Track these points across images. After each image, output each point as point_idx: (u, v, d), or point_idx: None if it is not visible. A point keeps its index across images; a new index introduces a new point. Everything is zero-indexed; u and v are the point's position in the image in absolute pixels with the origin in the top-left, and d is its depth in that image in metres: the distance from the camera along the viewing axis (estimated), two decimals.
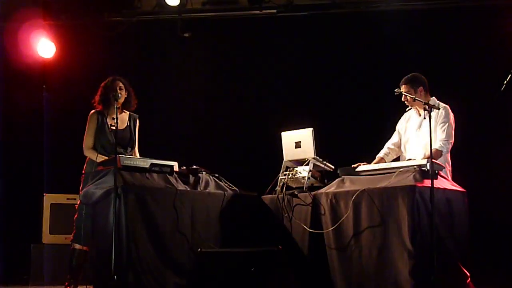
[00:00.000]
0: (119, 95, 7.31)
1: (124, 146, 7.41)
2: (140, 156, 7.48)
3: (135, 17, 9.82)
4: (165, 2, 9.32)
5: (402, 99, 7.36)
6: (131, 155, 7.39)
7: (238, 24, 9.89)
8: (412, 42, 9.19)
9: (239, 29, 9.93)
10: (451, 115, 7.26)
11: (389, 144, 7.63)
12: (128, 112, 7.60)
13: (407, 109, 7.60)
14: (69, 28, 9.81)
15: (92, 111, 7.49)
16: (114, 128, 6.98)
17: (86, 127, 7.44)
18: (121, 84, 7.49)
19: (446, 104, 7.33)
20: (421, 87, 7.31)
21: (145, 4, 9.82)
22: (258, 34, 9.86)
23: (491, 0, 8.89)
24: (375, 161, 7.45)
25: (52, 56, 9.67)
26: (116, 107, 7.01)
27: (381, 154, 7.58)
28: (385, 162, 7.40)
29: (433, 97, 7.36)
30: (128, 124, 7.57)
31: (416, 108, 7.46)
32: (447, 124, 7.19)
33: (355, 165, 7.13)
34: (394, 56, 9.19)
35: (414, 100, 7.22)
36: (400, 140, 7.58)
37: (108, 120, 7.41)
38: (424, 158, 6.94)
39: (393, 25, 9.12)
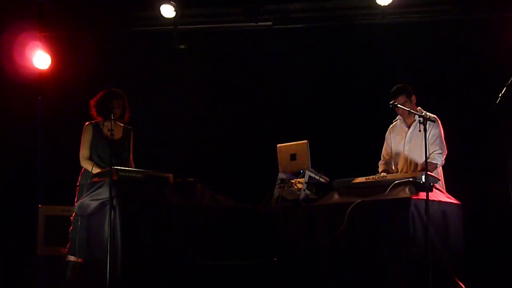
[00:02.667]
0: (116, 107, 7.31)
1: (119, 156, 7.40)
2: (135, 167, 7.47)
3: (130, 29, 9.82)
4: (161, 14, 9.31)
5: (400, 111, 7.38)
6: (126, 166, 7.38)
7: (234, 36, 9.89)
8: (407, 55, 9.21)
9: (235, 41, 9.93)
10: (440, 126, 7.28)
11: (384, 154, 7.65)
12: (122, 124, 7.59)
13: (393, 120, 7.62)
14: (64, 40, 9.80)
15: (87, 122, 7.50)
16: (110, 139, 7.00)
17: (82, 138, 7.44)
18: (118, 96, 7.48)
19: (436, 115, 7.34)
20: (413, 96, 7.36)
21: (140, 16, 9.82)
22: (254, 46, 9.86)
23: (486, 13, 8.90)
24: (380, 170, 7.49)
25: (48, 67, 9.65)
26: (113, 119, 7.02)
27: (382, 165, 7.59)
28: (390, 171, 7.41)
29: (419, 107, 7.37)
30: (123, 135, 7.56)
31: (404, 120, 7.48)
32: (437, 135, 7.21)
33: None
34: (389, 68, 9.19)
35: (410, 112, 7.24)
36: (391, 151, 7.60)
37: (104, 131, 7.41)
38: (418, 170, 6.96)
39: (389, 37, 9.15)
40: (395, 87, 7.39)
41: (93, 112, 7.49)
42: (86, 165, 7.32)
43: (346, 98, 9.55)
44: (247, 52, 9.91)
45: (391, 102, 7.13)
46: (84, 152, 7.39)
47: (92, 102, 7.50)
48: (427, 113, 7.25)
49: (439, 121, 7.32)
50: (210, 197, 7.29)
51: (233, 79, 10.03)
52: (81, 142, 7.43)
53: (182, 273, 6.79)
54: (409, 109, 7.21)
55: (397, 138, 7.55)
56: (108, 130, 7.12)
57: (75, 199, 7.21)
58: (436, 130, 7.23)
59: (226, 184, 7.77)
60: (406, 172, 7.15)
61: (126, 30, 9.79)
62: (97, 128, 7.44)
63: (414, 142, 7.32)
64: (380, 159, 7.70)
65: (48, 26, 9.70)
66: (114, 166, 6.76)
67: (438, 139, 7.22)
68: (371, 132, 8.88)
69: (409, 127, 7.46)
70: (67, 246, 7.12)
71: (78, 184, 7.34)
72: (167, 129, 9.85)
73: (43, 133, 9.57)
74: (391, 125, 7.67)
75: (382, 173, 7.34)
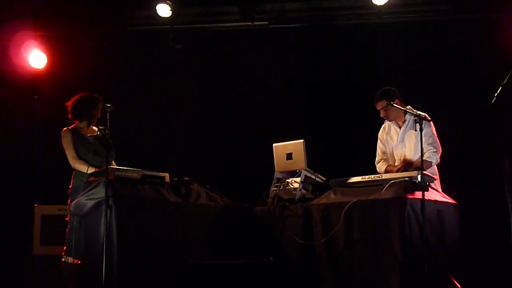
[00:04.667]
0: (96, 112, 7.29)
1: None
2: (130, 167, 7.43)
3: (126, 28, 9.81)
4: (157, 14, 9.31)
5: (381, 115, 7.38)
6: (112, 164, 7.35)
7: (230, 36, 9.89)
8: (403, 54, 9.22)
9: (231, 41, 9.93)
10: (432, 124, 7.24)
11: (379, 153, 7.64)
12: (96, 128, 7.52)
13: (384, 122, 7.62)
14: (60, 39, 9.79)
15: (64, 128, 7.41)
16: (99, 137, 7.00)
17: (63, 144, 7.35)
18: (98, 101, 7.41)
19: (432, 114, 7.32)
20: (396, 100, 7.29)
21: (137, 15, 9.81)
22: (250, 46, 9.85)
23: (482, 12, 8.92)
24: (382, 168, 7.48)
25: (44, 67, 9.65)
26: (108, 119, 7.00)
27: (383, 163, 7.57)
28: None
29: (409, 106, 7.34)
30: (102, 134, 7.48)
31: (395, 121, 7.47)
32: (430, 134, 7.19)
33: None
34: (385, 68, 9.20)
35: (406, 112, 7.21)
36: (386, 150, 7.59)
37: (86, 134, 7.38)
38: (412, 169, 6.96)
39: (385, 37, 9.15)
40: (377, 93, 7.39)
41: (70, 115, 7.44)
42: (79, 165, 7.24)
43: (342, 97, 9.55)
44: (243, 52, 9.91)
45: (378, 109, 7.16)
46: (71, 153, 7.30)
47: (70, 105, 7.45)
48: (418, 112, 7.24)
49: (430, 120, 7.31)
50: (207, 196, 7.30)
51: (229, 79, 10.03)
52: (65, 147, 7.34)
53: (178, 272, 6.79)
54: (404, 108, 7.19)
55: (390, 138, 7.54)
56: (100, 128, 7.11)
57: (68, 201, 7.17)
58: (429, 129, 7.20)
59: (223, 183, 7.78)
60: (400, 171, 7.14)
61: (122, 30, 9.78)
62: (75, 133, 7.38)
63: (407, 141, 7.32)
64: (375, 160, 7.68)
65: (44, 25, 9.70)
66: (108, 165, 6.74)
67: (431, 137, 7.19)
68: (367, 132, 8.87)
69: (400, 127, 7.45)
70: (64, 248, 7.11)
71: (70, 186, 7.30)
72: (163, 128, 9.85)
73: (39, 132, 9.56)
74: (383, 126, 7.65)
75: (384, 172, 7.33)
